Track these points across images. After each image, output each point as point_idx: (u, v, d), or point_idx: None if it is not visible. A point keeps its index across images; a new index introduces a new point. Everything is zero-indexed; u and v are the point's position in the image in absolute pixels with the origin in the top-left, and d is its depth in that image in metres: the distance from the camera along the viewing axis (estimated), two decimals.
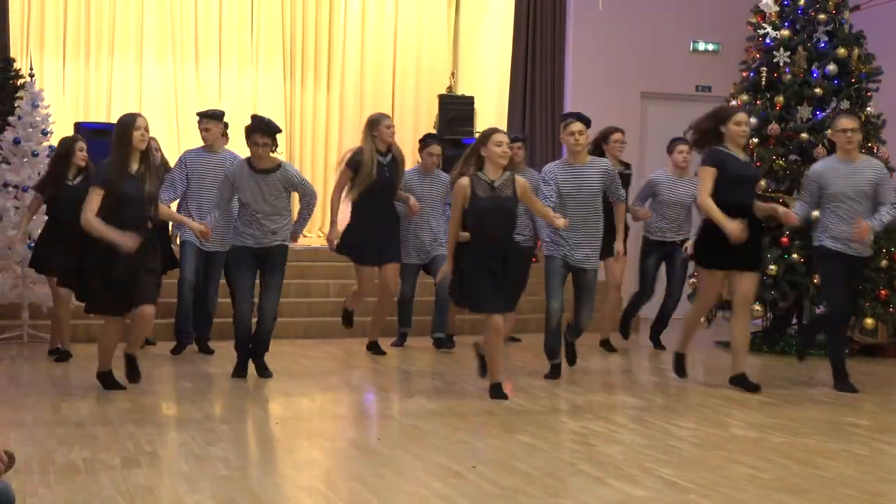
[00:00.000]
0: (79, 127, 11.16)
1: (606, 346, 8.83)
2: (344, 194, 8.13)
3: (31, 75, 9.93)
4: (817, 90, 9.00)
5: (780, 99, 9.16)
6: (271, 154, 6.90)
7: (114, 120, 10.85)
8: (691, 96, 11.11)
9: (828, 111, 8.72)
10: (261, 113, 11.59)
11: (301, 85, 13.47)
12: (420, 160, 8.66)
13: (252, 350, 7.06)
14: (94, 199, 6.15)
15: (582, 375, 7.57)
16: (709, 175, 6.68)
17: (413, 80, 12.57)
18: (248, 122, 6.97)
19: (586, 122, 7.22)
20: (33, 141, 8.99)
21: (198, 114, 8.33)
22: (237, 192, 6.92)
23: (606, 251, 7.74)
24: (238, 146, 8.46)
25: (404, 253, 8.37)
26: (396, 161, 8.05)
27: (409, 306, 8.85)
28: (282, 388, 6.66)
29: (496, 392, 6.48)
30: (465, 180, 6.31)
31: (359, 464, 5.02)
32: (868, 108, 8.92)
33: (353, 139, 9.42)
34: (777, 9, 9.52)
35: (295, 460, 5.12)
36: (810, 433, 5.63)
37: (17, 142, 8.87)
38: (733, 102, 9.44)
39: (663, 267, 8.85)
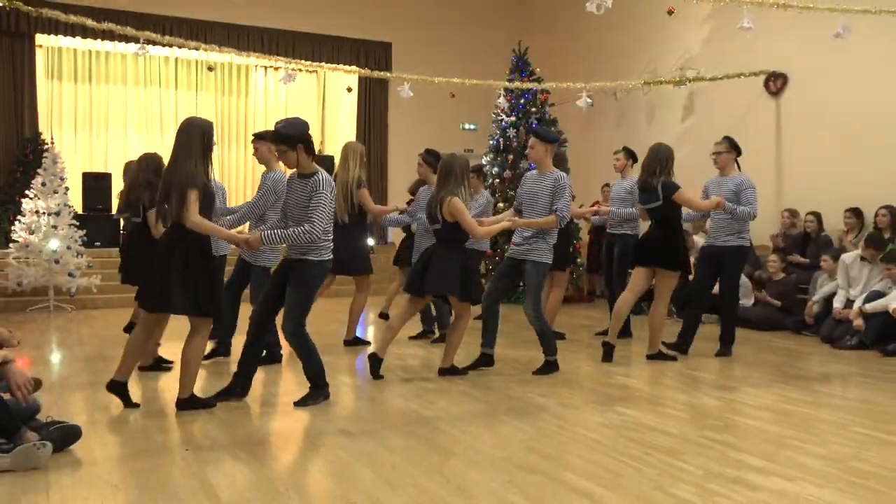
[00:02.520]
0: (85, 175, 13.29)
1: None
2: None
3: (52, 142, 11.98)
4: None
5: (510, 157, 11.90)
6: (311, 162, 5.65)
7: (111, 170, 12.91)
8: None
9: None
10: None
11: (228, 147, 15.90)
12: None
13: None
14: (195, 202, 5.12)
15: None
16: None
17: None
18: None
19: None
20: (54, 184, 10.49)
21: (254, 135, 7.34)
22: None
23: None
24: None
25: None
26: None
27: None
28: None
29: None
30: None
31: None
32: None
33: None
34: (508, 104, 12.22)
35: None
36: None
37: (43, 185, 10.52)
38: (486, 158, 12.15)
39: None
